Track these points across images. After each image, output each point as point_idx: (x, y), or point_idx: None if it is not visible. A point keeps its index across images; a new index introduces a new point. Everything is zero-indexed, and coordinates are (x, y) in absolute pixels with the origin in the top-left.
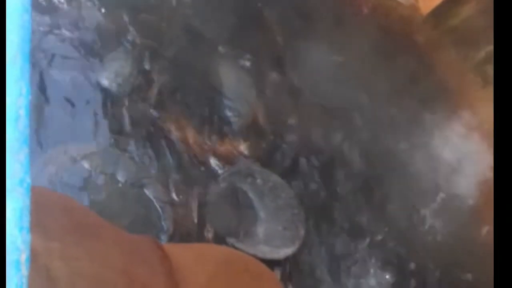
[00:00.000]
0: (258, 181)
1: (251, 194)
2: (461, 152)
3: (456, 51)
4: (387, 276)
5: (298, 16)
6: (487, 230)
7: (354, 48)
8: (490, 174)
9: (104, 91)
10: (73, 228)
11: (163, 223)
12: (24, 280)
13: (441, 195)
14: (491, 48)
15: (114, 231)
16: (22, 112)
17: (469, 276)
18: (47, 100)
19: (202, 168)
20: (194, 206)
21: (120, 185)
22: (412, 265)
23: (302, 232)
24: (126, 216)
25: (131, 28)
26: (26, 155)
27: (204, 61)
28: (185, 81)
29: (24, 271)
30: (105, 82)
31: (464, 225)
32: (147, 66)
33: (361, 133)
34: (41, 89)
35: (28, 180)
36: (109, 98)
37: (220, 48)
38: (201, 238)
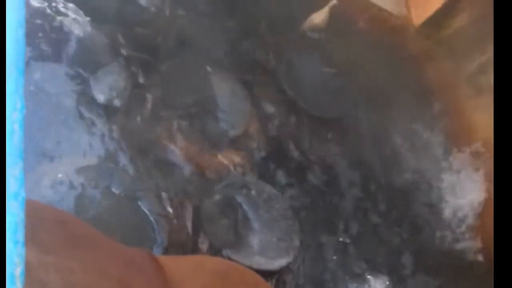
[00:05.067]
0: (253, 192)
1: (245, 206)
2: (456, 161)
3: (449, 62)
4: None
5: (291, 30)
6: None
7: (346, 59)
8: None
9: (99, 105)
10: (68, 241)
11: (157, 235)
12: None
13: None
14: (483, 58)
15: (109, 244)
16: (17, 127)
17: None
18: (41, 114)
19: (197, 180)
20: (189, 218)
21: (114, 198)
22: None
23: (297, 243)
24: (121, 229)
25: (125, 42)
26: (21, 170)
27: (198, 74)
28: (179, 94)
29: (19, 284)
30: (99, 96)
31: None
32: (141, 80)
33: (356, 143)
34: (34, 103)
35: (23, 194)
36: (103, 112)
37: (214, 61)
38: (196, 250)
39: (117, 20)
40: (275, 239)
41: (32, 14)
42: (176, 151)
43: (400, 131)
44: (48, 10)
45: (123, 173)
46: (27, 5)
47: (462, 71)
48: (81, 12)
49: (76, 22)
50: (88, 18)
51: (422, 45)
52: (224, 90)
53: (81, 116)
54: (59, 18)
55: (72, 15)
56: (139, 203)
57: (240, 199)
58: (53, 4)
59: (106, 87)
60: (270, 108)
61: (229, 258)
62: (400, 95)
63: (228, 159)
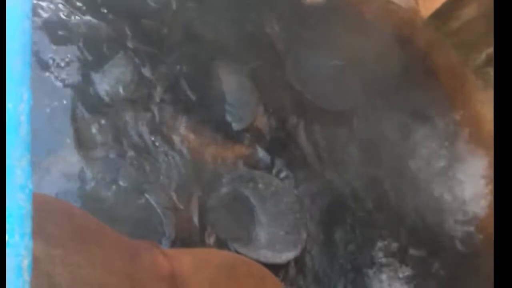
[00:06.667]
0: (260, 185)
1: (253, 199)
2: (461, 155)
3: (457, 54)
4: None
5: (299, 22)
6: None
7: (355, 52)
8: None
9: (105, 97)
10: (75, 234)
11: (164, 228)
12: (26, 286)
13: (445, 198)
14: (491, 50)
15: (116, 237)
16: (24, 119)
17: None
18: (48, 106)
19: (204, 174)
20: (196, 211)
21: (121, 191)
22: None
23: (304, 236)
24: (128, 222)
25: (131, 35)
26: (27, 162)
27: (205, 67)
28: (186, 87)
29: (26, 276)
30: (106, 89)
31: None
32: (148, 73)
33: (362, 136)
34: (42, 95)
35: (30, 186)
36: (110, 105)
37: (221, 54)
38: (203, 243)
39: (124, 12)
40: (283, 232)
41: (39, 6)
42: (183, 144)
43: (407, 123)
44: (55, 2)
45: (130, 166)
46: None
47: (471, 62)
48: (87, 4)
49: (82, 14)
50: (94, 10)
51: (430, 37)
52: (231, 83)
53: (88, 109)
54: (65, 10)
55: (78, 7)
56: (146, 196)
57: (247, 192)
58: None
59: (112, 79)
60: (277, 101)
61: (236, 251)
62: (408, 87)
63: (235, 152)
